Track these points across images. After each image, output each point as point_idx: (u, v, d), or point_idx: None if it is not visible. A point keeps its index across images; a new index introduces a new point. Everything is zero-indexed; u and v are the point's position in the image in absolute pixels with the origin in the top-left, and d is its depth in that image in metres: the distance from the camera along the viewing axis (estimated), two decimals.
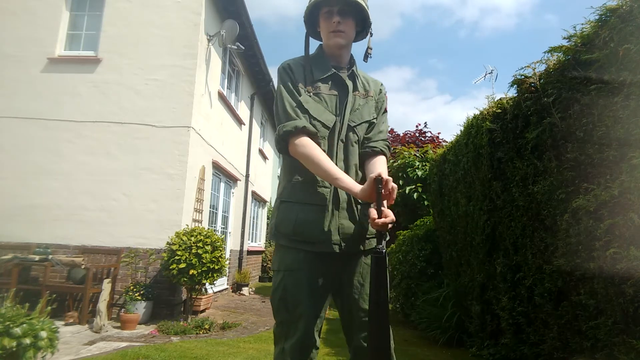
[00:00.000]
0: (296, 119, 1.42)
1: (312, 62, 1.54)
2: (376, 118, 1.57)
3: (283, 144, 1.44)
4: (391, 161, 7.14)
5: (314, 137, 1.42)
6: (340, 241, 1.41)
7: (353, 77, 1.57)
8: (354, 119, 1.51)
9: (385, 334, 1.27)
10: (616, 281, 1.86)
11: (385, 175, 1.27)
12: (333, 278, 1.45)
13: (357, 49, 1.69)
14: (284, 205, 1.49)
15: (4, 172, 5.58)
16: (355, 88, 1.55)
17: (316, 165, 1.37)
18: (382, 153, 1.52)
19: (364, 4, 1.48)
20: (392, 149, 1.71)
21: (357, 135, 1.51)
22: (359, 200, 1.45)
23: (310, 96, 1.47)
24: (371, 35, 1.60)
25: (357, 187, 1.33)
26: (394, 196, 1.29)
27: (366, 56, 1.61)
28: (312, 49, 1.59)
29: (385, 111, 1.62)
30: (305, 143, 1.39)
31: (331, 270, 1.43)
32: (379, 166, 1.46)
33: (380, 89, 1.63)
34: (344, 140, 1.48)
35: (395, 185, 1.29)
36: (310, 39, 1.60)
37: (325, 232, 1.39)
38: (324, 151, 1.43)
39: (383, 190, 1.25)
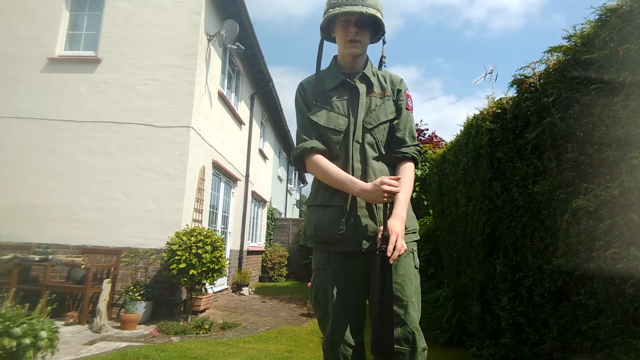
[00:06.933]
0: (306, 141, 1.54)
1: (325, 74, 1.60)
2: (397, 118, 1.57)
3: (298, 165, 1.57)
4: None
5: (324, 153, 1.52)
6: (361, 240, 1.44)
7: (366, 78, 1.58)
8: (370, 121, 1.53)
9: (389, 326, 1.32)
10: (616, 281, 1.86)
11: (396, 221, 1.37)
12: (365, 276, 1.47)
13: (372, 52, 1.69)
14: (309, 209, 1.59)
15: (4, 172, 5.57)
16: (370, 90, 1.57)
17: (328, 178, 1.48)
18: (413, 160, 1.56)
19: (380, 16, 1.50)
20: None
21: (375, 138, 1.53)
22: None
23: (322, 107, 1.55)
24: (384, 43, 1.61)
25: (363, 190, 1.39)
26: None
27: (380, 64, 1.64)
28: (324, 54, 1.61)
29: (408, 109, 1.60)
30: (316, 161, 1.50)
31: (361, 269, 1.46)
32: (404, 181, 1.48)
33: (399, 89, 1.60)
34: (360, 141, 1.51)
35: (398, 246, 1.34)
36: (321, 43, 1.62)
37: (343, 232, 1.45)
38: (340, 154, 1.51)
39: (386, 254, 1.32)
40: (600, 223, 1.93)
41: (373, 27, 1.57)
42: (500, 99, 3.28)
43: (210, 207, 6.81)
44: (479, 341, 3.67)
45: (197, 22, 5.89)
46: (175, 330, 4.47)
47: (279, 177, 14.38)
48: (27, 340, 2.63)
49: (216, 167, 6.92)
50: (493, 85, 7.15)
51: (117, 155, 5.61)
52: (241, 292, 8.17)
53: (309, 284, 1.64)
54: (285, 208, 15.93)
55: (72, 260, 5.03)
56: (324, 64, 1.63)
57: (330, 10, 1.50)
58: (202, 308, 5.54)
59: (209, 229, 5.80)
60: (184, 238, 4.94)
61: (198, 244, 4.91)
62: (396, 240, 1.33)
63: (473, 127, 3.65)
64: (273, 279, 11.13)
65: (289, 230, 12.68)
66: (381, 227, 1.38)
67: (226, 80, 7.63)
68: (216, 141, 6.84)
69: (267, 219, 11.92)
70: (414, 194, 6.59)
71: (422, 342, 1.40)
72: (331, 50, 1.66)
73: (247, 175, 9.07)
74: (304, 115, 1.58)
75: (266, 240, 11.80)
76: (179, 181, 5.53)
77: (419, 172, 6.70)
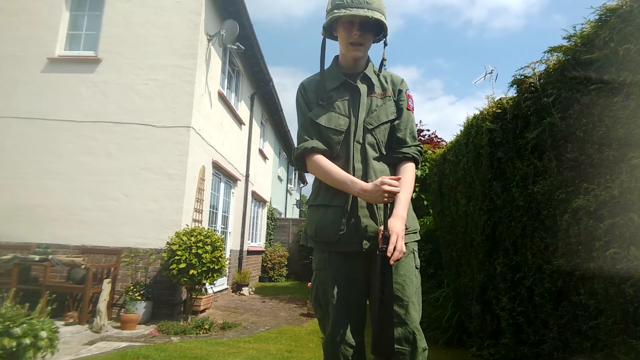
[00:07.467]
0: (306, 141, 1.54)
1: (327, 74, 1.60)
2: (398, 118, 1.57)
3: (299, 165, 1.58)
4: None
5: (324, 153, 1.52)
6: (362, 240, 1.44)
7: (367, 79, 1.58)
8: (371, 122, 1.53)
9: (389, 326, 1.31)
10: (616, 281, 1.86)
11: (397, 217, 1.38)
12: (365, 276, 1.47)
13: (373, 52, 1.70)
14: (310, 209, 1.59)
15: (4, 172, 5.57)
16: (371, 90, 1.57)
17: (329, 178, 1.48)
18: (414, 160, 1.56)
19: (384, 20, 1.50)
20: None
21: (376, 138, 1.53)
22: None
23: (323, 107, 1.55)
24: (386, 45, 1.61)
25: (363, 190, 1.39)
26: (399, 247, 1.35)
27: (381, 67, 1.64)
28: (326, 52, 1.62)
29: (409, 109, 1.60)
30: (316, 161, 1.51)
31: (361, 269, 1.46)
32: (405, 182, 1.47)
33: (400, 89, 1.61)
34: (361, 141, 1.51)
35: (398, 247, 1.34)
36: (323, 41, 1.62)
37: (344, 232, 1.45)
38: (341, 155, 1.51)
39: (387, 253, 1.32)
40: (600, 223, 1.93)
41: (375, 30, 1.57)
42: (500, 99, 3.28)
43: (210, 207, 6.81)
44: (479, 341, 3.67)
45: (197, 22, 5.89)
46: (175, 330, 4.47)
47: (279, 177, 14.38)
48: (27, 340, 2.64)
49: (216, 167, 6.92)
50: (493, 85, 7.16)
51: (117, 155, 5.61)
52: (241, 292, 8.17)
53: (309, 284, 1.64)
54: (285, 208, 15.93)
55: (72, 260, 5.03)
56: (326, 64, 1.63)
57: (335, 11, 1.49)
58: (202, 308, 5.54)
59: (209, 229, 5.80)
60: (184, 238, 4.94)
61: (198, 244, 4.91)
62: (396, 241, 1.33)
63: (473, 127, 3.65)
64: (273, 279, 11.13)
65: (289, 230, 12.68)
66: (382, 227, 1.38)
67: (226, 80, 7.63)
68: (216, 141, 6.84)
69: (267, 219, 11.92)
70: (414, 194, 6.59)
71: (422, 342, 1.40)
72: (334, 49, 1.66)
73: (247, 175, 9.07)
74: (304, 115, 1.58)
75: (266, 240, 11.81)
76: (179, 181, 5.53)
77: (419, 172, 6.71)
